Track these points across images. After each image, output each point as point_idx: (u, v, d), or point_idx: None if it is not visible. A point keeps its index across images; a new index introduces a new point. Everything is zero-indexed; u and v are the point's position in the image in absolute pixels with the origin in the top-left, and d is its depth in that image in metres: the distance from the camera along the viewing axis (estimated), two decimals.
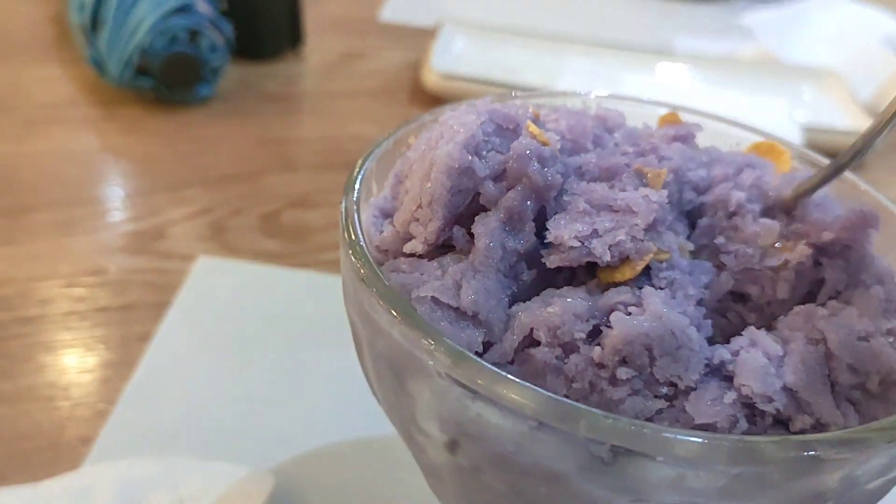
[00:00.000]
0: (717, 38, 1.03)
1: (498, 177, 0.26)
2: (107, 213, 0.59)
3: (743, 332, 0.25)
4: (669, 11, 1.11)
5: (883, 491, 0.24)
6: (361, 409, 0.46)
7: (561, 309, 0.23)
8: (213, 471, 0.41)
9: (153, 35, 0.69)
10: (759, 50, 0.99)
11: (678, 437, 0.20)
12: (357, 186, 0.28)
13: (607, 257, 0.24)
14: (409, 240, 0.26)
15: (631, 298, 0.24)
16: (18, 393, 0.45)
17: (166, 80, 0.70)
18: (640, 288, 0.25)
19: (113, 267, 0.54)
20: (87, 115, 0.70)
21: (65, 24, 0.81)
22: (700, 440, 0.20)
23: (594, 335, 0.24)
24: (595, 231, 0.25)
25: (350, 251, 0.25)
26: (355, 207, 0.27)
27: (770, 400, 0.23)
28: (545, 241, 0.25)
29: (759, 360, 0.23)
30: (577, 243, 0.24)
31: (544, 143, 0.26)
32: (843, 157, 0.27)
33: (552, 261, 0.25)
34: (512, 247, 0.25)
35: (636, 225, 0.25)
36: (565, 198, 0.26)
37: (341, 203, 0.28)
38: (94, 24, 0.71)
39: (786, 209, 0.28)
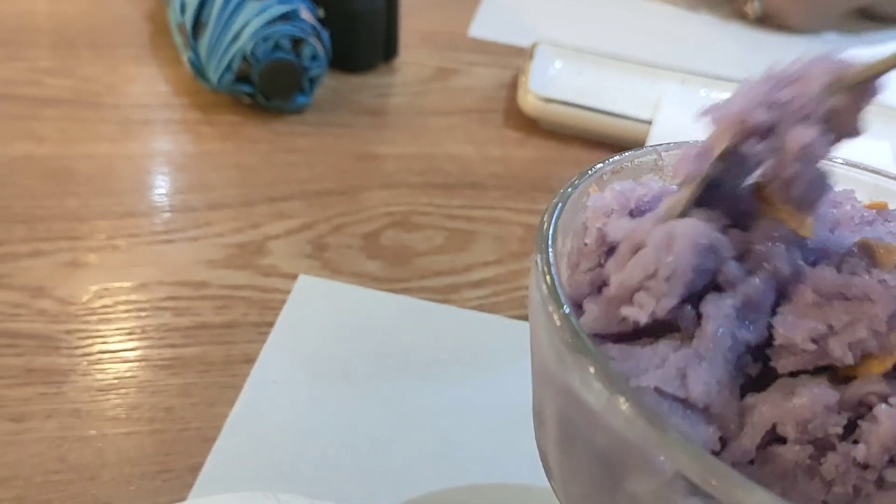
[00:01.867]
0: None
1: (741, 257, 0.23)
2: (207, 223, 0.57)
3: None
4: (761, 44, 1.08)
5: None
6: (476, 451, 0.44)
7: (810, 400, 0.21)
8: None
9: (256, 41, 0.67)
10: None
11: None
12: (551, 243, 0.26)
13: (848, 359, 0.22)
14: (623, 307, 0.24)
15: (885, 389, 0.22)
16: (123, 412, 0.43)
17: (267, 87, 0.69)
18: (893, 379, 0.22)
19: (215, 281, 0.52)
20: (184, 119, 0.69)
21: (161, 22, 0.80)
22: None
23: (849, 431, 0.21)
24: (831, 328, 0.22)
25: (557, 320, 0.23)
26: (553, 268, 0.25)
27: None
28: (772, 342, 0.23)
29: None
30: (811, 346, 0.22)
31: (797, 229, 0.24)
32: None
33: (783, 365, 0.22)
34: (743, 337, 0.22)
35: (877, 317, 0.22)
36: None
37: (535, 260, 0.26)
38: (196, 26, 0.70)
39: None
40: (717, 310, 0.22)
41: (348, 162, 0.67)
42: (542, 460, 0.27)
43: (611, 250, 0.25)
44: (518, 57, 0.84)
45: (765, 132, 0.24)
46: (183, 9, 0.71)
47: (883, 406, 0.21)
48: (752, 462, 0.21)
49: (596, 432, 0.22)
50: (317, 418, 0.45)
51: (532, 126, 0.76)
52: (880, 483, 0.20)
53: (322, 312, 0.52)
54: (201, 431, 0.43)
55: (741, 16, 1.12)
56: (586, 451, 0.23)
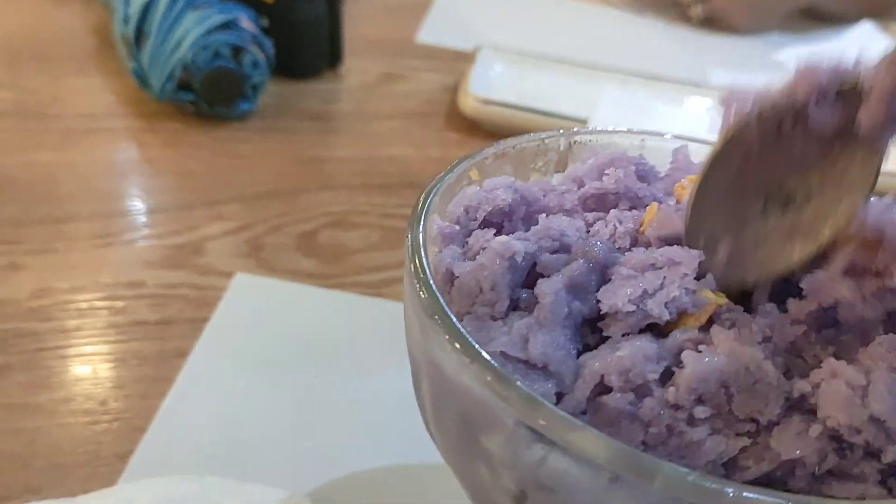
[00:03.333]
0: (751, 73, 1.03)
1: (555, 251, 0.26)
2: (145, 226, 0.59)
3: (822, 365, 0.24)
4: (705, 43, 1.11)
5: None
6: (398, 434, 0.45)
7: (630, 352, 0.23)
8: (250, 492, 0.41)
9: (196, 50, 0.69)
10: None
11: (761, 498, 0.20)
12: (423, 221, 0.28)
13: (666, 315, 0.24)
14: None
15: (699, 336, 0.24)
16: (56, 405, 0.45)
17: (208, 95, 0.70)
18: (707, 328, 0.24)
19: (151, 281, 0.54)
20: (128, 127, 0.71)
21: (106, 34, 0.81)
22: (785, 501, 0.20)
23: (666, 377, 0.23)
24: (645, 291, 0.24)
25: (420, 289, 0.25)
26: (422, 244, 0.27)
27: (858, 431, 0.22)
28: (602, 314, 0.25)
29: (843, 390, 0.23)
30: (632, 307, 0.24)
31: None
32: None
33: (614, 331, 0.25)
34: (577, 308, 0.25)
35: (686, 275, 0.25)
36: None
37: (406, 237, 0.28)
38: (138, 36, 0.71)
39: None
40: (549, 287, 0.25)
41: (289, 166, 0.69)
42: (426, 427, 0.29)
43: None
44: (463, 61, 0.87)
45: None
46: (126, 20, 0.73)
47: (689, 351, 0.23)
48: (584, 412, 0.23)
49: (453, 394, 0.24)
50: (247, 407, 0.46)
51: (473, 128, 0.78)
52: (691, 421, 0.22)
53: (256, 308, 0.53)
54: (132, 422, 0.44)
55: (686, 19, 1.15)
56: (450, 414, 0.25)
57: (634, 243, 0.28)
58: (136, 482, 0.41)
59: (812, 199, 0.27)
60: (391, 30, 0.98)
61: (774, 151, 0.27)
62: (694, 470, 0.21)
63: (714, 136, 0.28)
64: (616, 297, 0.24)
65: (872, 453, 0.23)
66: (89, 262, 0.55)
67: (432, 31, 1.00)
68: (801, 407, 0.23)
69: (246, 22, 0.72)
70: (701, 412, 0.22)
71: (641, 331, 0.25)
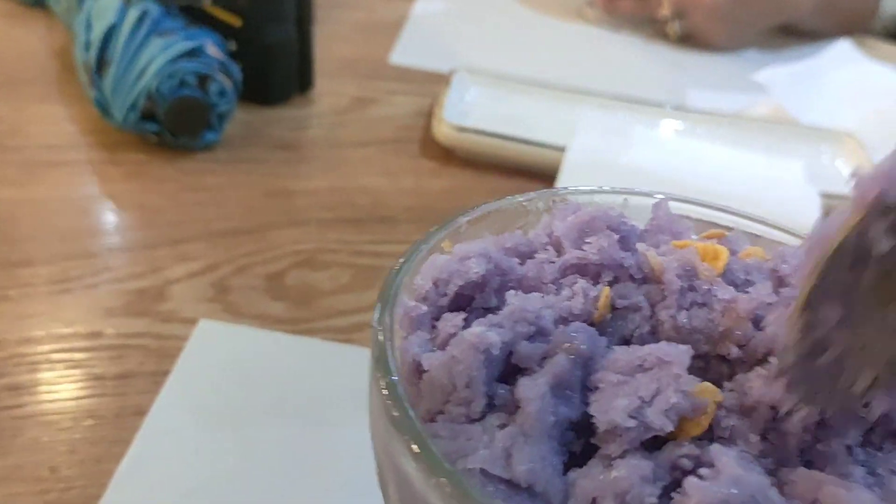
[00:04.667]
0: (730, 93, 1.01)
1: (532, 336, 0.24)
2: (107, 269, 0.56)
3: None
4: (683, 61, 1.10)
5: None
6: (375, 495, 0.43)
7: (626, 472, 0.21)
8: None
9: (161, 78, 0.66)
10: (773, 107, 0.97)
11: None
12: (392, 308, 0.26)
13: (669, 426, 0.22)
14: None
15: (695, 451, 0.22)
16: (6, 472, 0.42)
17: (172, 125, 0.68)
18: (705, 441, 0.22)
19: (111, 330, 0.51)
20: (90, 159, 0.68)
21: (69, 59, 0.78)
22: None
23: (665, 500, 0.21)
24: (643, 400, 0.22)
25: (387, 394, 0.23)
26: (389, 336, 0.25)
27: None
28: (591, 419, 0.23)
29: None
30: (632, 422, 0.22)
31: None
32: None
33: (614, 449, 0.22)
34: (563, 414, 0.23)
35: (679, 376, 0.23)
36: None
37: (373, 324, 0.26)
38: (100, 63, 0.69)
39: None
40: (533, 390, 0.23)
41: (257, 199, 0.66)
42: None
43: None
44: (438, 83, 0.84)
45: None
46: (87, 46, 0.70)
47: (692, 479, 0.21)
48: None
49: None
50: (208, 469, 0.44)
51: (448, 155, 0.76)
52: None
53: (221, 358, 0.51)
54: (86, 490, 0.42)
55: (663, 36, 1.14)
56: None
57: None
58: None
59: None
60: (363, 50, 0.95)
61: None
62: None
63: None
64: (612, 410, 0.22)
65: None
66: (45, 310, 0.52)
67: (406, 52, 0.98)
68: None
69: (212, 48, 0.69)
70: None
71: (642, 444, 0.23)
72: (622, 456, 0.22)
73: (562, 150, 0.74)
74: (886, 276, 0.23)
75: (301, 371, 0.51)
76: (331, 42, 0.92)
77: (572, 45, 1.10)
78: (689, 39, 1.13)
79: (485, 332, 0.24)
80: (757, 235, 0.35)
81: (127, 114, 0.67)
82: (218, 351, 0.51)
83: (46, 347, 0.49)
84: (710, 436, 0.23)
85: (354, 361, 0.52)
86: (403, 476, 0.22)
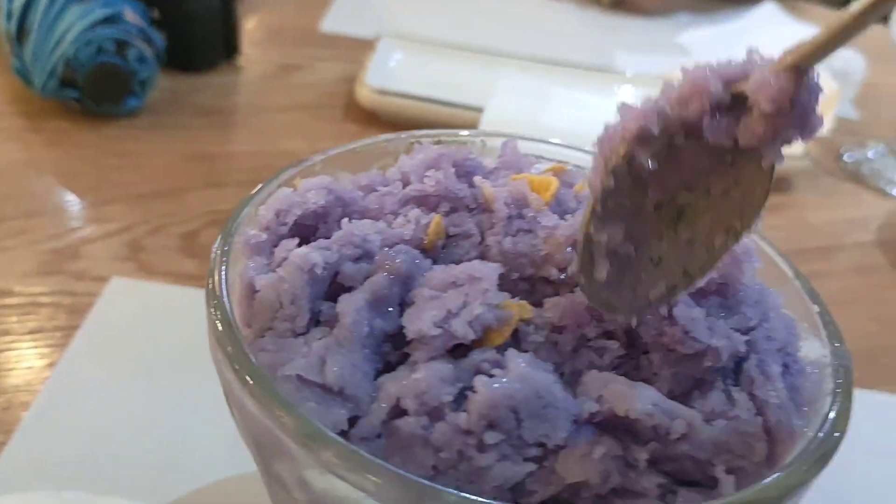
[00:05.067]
0: (656, 55, 1.04)
1: (358, 258, 0.26)
2: (22, 231, 0.57)
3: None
4: (610, 26, 1.12)
5: None
6: None
7: (426, 374, 0.23)
8: None
9: (78, 45, 0.67)
10: None
11: None
12: (232, 234, 0.28)
13: (471, 335, 0.24)
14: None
15: (494, 356, 0.24)
16: None
17: (92, 91, 0.69)
18: (505, 349, 0.25)
19: (21, 288, 0.53)
20: (11, 126, 0.69)
21: None
22: None
23: (461, 400, 0.23)
24: (449, 312, 0.24)
25: (214, 315, 0.25)
26: (224, 264, 0.27)
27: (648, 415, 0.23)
28: (407, 339, 0.25)
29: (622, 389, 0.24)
30: (437, 331, 0.24)
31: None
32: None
33: (419, 356, 0.24)
34: (379, 326, 0.25)
35: (487, 290, 0.25)
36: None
37: (212, 249, 0.27)
38: (20, 32, 0.70)
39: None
40: (350, 304, 0.25)
41: (178, 164, 0.67)
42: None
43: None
44: (366, 50, 0.86)
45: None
46: (9, 16, 0.71)
47: (482, 377, 0.23)
48: (379, 436, 0.23)
49: (245, 419, 0.24)
50: (112, 417, 0.46)
51: (372, 119, 0.77)
52: (481, 447, 0.23)
53: (132, 313, 0.52)
54: None
55: (595, 2, 1.16)
56: (246, 436, 0.25)
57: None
58: None
59: (707, 213, 0.26)
60: (294, 19, 0.97)
61: (668, 167, 0.24)
62: (481, 495, 0.21)
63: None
64: (420, 321, 0.24)
65: (654, 463, 0.23)
66: None
67: (337, 19, 0.99)
68: (590, 426, 0.24)
69: (131, 15, 0.70)
70: (490, 437, 0.22)
71: (449, 351, 0.25)
72: (426, 362, 0.24)
73: (481, 110, 0.76)
74: (669, 199, 0.25)
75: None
76: (261, 11, 0.93)
77: (505, 12, 1.11)
78: (621, 5, 1.15)
79: (309, 253, 0.26)
80: None
81: (46, 81, 0.68)
82: (129, 306, 0.53)
83: None
84: (517, 348, 0.25)
85: None
86: (229, 389, 0.24)
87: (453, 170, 0.30)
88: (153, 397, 0.47)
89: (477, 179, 0.30)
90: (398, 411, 0.23)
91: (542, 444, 0.23)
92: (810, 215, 0.77)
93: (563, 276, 0.27)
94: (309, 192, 0.29)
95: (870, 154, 0.86)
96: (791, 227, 0.73)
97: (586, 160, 0.36)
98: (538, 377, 0.23)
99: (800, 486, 0.24)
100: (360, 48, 0.89)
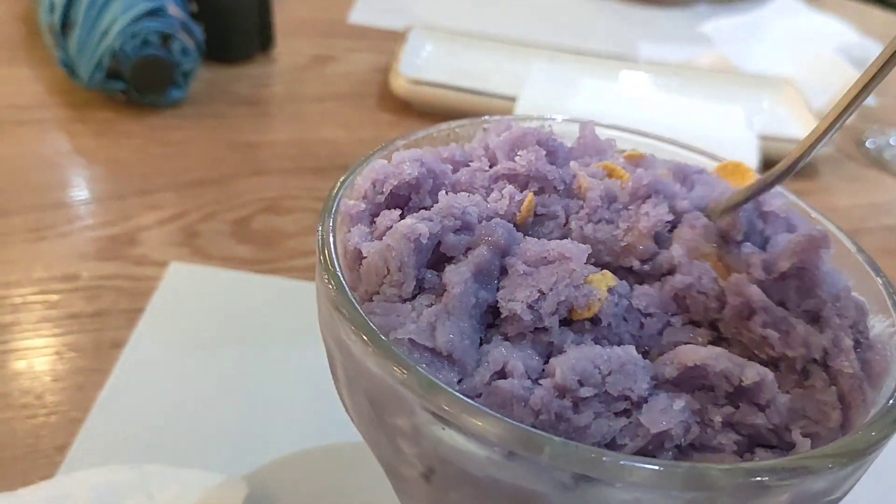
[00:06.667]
0: (678, 45, 1.05)
1: (458, 230, 0.28)
2: (79, 217, 0.59)
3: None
4: (633, 17, 1.13)
5: None
6: (333, 415, 0.47)
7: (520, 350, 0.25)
8: (188, 478, 0.42)
9: (124, 38, 0.69)
10: (718, 57, 1.01)
11: (635, 464, 0.22)
12: (334, 210, 0.29)
13: (556, 326, 0.26)
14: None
15: (577, 338, 0.26)
16: None
17: (137, 83, 0.70)
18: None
19: (85, 273, 0.54)
20: (58, 118, 0.71)
21: (33, 22, 0.80)
22: (655, 468, 0.22)
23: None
24: (541, 293, 0.26)
25: (328, 280, 0.27)
26: (332, 235, 0.28)
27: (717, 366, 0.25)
28: (501, 315, 0.27)
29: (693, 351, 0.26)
30: (529, 315, 0.26)
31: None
32: (772, 175, 0.29)
33: (513, 331, 0.26)
34: (483, 297, 0.26)
35: (575, 271, 0.27)
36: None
37: (318, 229, 0.29)
38: (65, 25, 0.71)
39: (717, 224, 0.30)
40: (457, 276, 0.26)
41: (222, 152, 0.69)
42: (344, 408, 0.31)
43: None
44: (396, 41, 0.87)
45: None
46: (52, 9, 0.72)
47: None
48: (479, 395, 0.25)
49: (362, 378, 0.26)
50: (183, 394, 0.47)
51: (405, 108, 0.79)
52: (576, 407, 0.24)
53: (191, 296, 0.54)
54: (70, 414, 0.45)
55: None
56: (360, 396, 0.27)
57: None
58: (74, 473, 0.42)
59: None
60: (323, 10, 0.98)
61: None
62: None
63: None
64: (515, 300, 0.26)
65: (730, 424, 0.25)
66: (23, 257, 0.55)
67: (364, 11, 1.00)
68: (668, 386, 0.25)
69: (173, 8, 0.72)
70: (585, 391, 0.24)
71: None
72: (520, 335, 0.26)
73: (513, 100, 0.78)
74: None
75: (268, 307, 0.54)
76: (291, 3, 0.95)
77: (528, 2, 1.13)
78: None
79: (415, 224, 0.27)
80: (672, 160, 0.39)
81: (93, 73, 0.70)
82: (189, 289, 0.55)
83: (25, 290, 0.53)
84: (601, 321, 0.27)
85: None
86: (346, 350, 0.26)
87: (544, 151, 0.32)
88: (221, 374, 0.49)
89: (574, 165, 0.32)
90: (501, 375, 0.25)
91: (626, 398, 0.25)
92: (835, 200, 0.79)
93: (646, 267, 0.29)
94: (402, 163, 0.30)
95: (892, 140, 0.87)
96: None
97: (655, 146, 0.38)
98: (612, 341, 0.25)
99: (875, 445, 0.25)
100: (389, 39, 0.90)
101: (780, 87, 0.90)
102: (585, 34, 1.05)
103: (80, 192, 0.62)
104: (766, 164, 0.77)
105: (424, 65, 0.84)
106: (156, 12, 0.71)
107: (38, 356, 0.48)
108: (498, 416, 0.23)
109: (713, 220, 0.30)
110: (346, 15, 0.98)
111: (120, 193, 0.62)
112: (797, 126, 0.85)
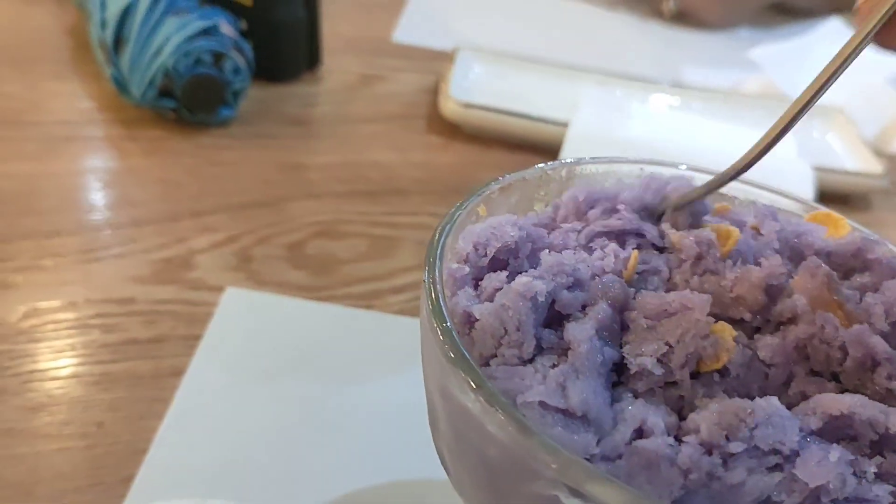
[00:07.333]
0: (723, 70, 1.04)
1: (570, 287, 0.27)
2: (133, 239, 0.58)
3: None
4: (675, 40, 1.12)
5: None
6: (397, 448, 0.46)
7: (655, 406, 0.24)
8: None
9: (177, 56, 0.68)
10: (765, 83, 1.00)
11: None
12: (438, 264, 0.29)
13: (687, 379, 0.25)
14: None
15: (710, 391, 0.25)
16: (56, 429, 0.45)
17: (189, 102, 0.70)
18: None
19: (141, 296, 0.54)
20: (108, 135, 0.70)
21: (82, 37, 0.80)
22: None
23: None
24: (669, 346, 0.25)
25: (443, 336, 0.26)
26: (440, 288, 0.27)
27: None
28: (627, 366, 0.26)
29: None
30: (660, 369, 0.25)
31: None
32: (727, 174, 0.31)
33: (642, 387, 0.25)
34: (609, 354, 0.26)
35: (699, 321, 0.26)
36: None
37: (423, 280, 0.28)
38: (117, 41, 0.71)
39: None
40: (582, 333, 0.26)
41: (273, 173, 0.68)
42: (440, 460, 0.30)
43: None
44: (441, 61, 0.87)
45: None
46: (104, 25, 0.72)
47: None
48: (619, 456, 0.24)
49: (479, 441, 0.25)
50: (244, 426, 0.47)
51: (454, 131, 0.78)
52: (725, 463, 0.23)
53: (249, 323, 0.53)
54: (132, 444, 0.44)
55: (658, 14, 1.16)
56: (473, 457, 0.26)
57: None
58: None
59: None
60: (367, 28, 0.98)
61: None
62: None
63: None
64: (643, 355, 0.26)
65: (883, 476, 0.24)
66: (78, 279, 0.54)
67: (409, 30, 1.00)
68: (816, 438, 0.24)
69: (226, 27, 0.71)
70: (734, 447, 0.23)
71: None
72: (650, 391, 0.25)
73: (563, 125, 0.77)
74: None
75: (324, 335, 0.53)
76: (335, 21, 0.94)
77: (569, 24, 1.12)
78: (683, 17, 1.15)
79: (532, 281, 0.26)
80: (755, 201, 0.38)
81: (145, 91, 0.69)
82: (246, 316, 0.54)
83: (82, 313, 0.52)
84: (727, 372, 0.26)
85: (376, 326, 0.54)
86: (463, 413, 0.25)
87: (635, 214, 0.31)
88: (283, 405, 0.48)
89: (665, 226, 0.31)
90: (640, 434, 0.24)
91: (777, 451, 0.24)
92: (890, 233, 0.77)
93: (758, 318, 0.28)
94: (504, 226, 0.30)
95: None
96: None
97: (739, 190, 0.37)
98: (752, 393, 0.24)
99: None
100: (435, 59, 0.90)
101: (832, 116, 0.89)
102: (630, 58, 1.04)
103: (131, 211, 0.62)
104: (822, 196, 0.76)
105: (472, 87, 0.83)
106: (209, 31, 0.70)
107: (97, 383, 0.48)
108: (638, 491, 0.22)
109: (667, 214, 0.32)
110: (390, 33, 0.98)
111: (173, 215, 0.62)
112: (850, 157, 0.83)
